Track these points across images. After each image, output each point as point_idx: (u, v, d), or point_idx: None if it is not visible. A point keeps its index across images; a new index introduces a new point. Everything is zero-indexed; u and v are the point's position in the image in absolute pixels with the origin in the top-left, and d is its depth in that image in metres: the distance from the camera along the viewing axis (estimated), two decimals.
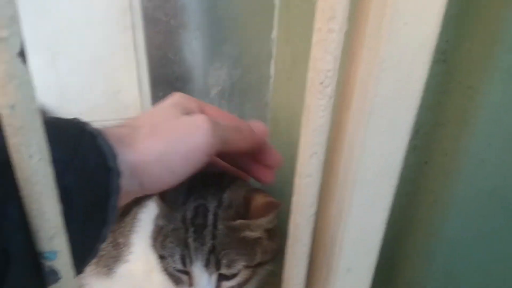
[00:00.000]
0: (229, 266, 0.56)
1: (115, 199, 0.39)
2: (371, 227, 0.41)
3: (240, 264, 0.56)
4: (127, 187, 0.41)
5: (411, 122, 0.36)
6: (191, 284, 0.58)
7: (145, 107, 0.98)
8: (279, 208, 0.56)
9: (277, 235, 0.63)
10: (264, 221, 0.56)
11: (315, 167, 0.36)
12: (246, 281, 0.59)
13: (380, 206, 0.39)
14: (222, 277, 0.58)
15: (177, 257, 0.56)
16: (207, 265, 0.56)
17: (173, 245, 0.57)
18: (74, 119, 0.41)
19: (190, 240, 0.56)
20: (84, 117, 0.43)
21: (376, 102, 0.34)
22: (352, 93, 0.35)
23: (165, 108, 0.51)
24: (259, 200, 0.59)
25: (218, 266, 0.56)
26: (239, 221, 0.57)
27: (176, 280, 0.60)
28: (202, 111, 0.54)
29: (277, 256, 0.63)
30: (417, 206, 0.49)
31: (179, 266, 0.57)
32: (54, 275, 0.35)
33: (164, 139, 0.45)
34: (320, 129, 0.33)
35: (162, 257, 0.60)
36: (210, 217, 0.57)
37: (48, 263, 0.35)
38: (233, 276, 0.57)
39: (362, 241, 0.42)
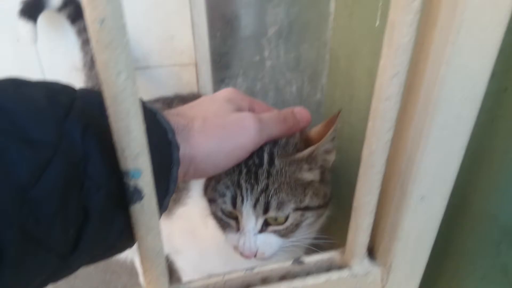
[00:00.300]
0: (278, 208, 0.57)
1: (176, 169, 0.42)
2: (449, 152, 0.40)
3: (289, 207, 0.58)
4: None
5: (500, 39, 0.34)
6: (238, 228, 0.60)
7: (200, 52, 0.98)
8: (339, 115, 0.56)
9: (329, 180, 0.63)
10: (328, 138, 0.57)
11: (395, 88, 0.34)
12: (295, 226, 0.60)
13: (460, 130, 0.38)
14: (269, 222, 0.59)
15: (228, 197, 0.58)
16: (255, 205, 0.57)
17: (225, 186, 0.58)
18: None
19: (242, 181, 0.57)
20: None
21: (466, 18, 0.32)
22: (439, 8, 0.33)
23: (218, 102, 0.54)
24: (315, 128, 0.59)
25: (267, 207, 0.57)
26: (297, 155, 0.58)
27: (223, 225, 0.62)
28: (251, 109, 0.56)
29: (328, 202, 0.63)
30: (493, 135, 0.47)
31: (229, 207, 0.59)
32: (138, 194, 0.37)
33: (214, 138, 0.49)
34: (404, 47, 0.32)
35: (212, 200, 0.62)
36: (265, 156, 0.58)
37: (132, 182, 0.36)
38: (281, 222, 0.59)
39: (438, 168, 0.41)
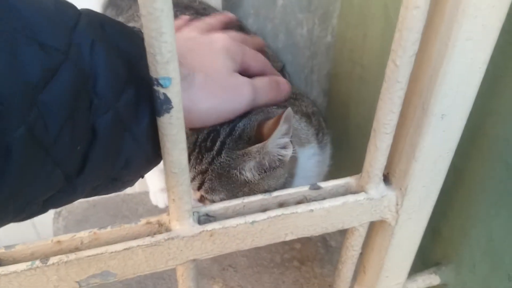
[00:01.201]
0: (208, 191, 0.63)
1: None
2: (472, 68, 0.40)
3: (218, 196, 0.63)
4: None
5: None
6: None
7: None
8: (286, 114, 0.56)
9: (281, 174, 0.63)
10: (275, 137, 0.57)
11: None
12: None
13: (485, 43, 0.38)
14: (205, 198, 0.65)
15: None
16: (193, 179, 0.63)
17: (190, 141, 0.63)
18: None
19: (192, 156, 0.62)
20: None
21: None
22: None
23: (218, 54, 0.56)
24: (271, 121, 0.58)
25: (200, 186, 0.63)
26: (243, 150, 0.60)
27: None
28: (246, 63, 0.60)
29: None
30: None
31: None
32: (168, 104, 0.37)
33: (214, 99, 0.53)
34: None
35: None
36: (218, 144, 0.61)
37: (162, 91, 0.37)
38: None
39: (460, 85, 0.41)
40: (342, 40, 0.94)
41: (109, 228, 0.47)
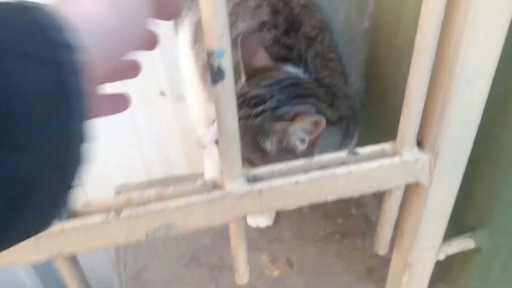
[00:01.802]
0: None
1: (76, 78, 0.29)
2: (493, 35, 0.44)
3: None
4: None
5: None
6: None
7: None
8: (316, 119, 0.66)
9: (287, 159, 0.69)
10: (296, 127, 0.67)
11: None
12: None
13: (505, 12, 0.42)
14: None
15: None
16: None
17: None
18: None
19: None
20: None
21: None
22: None
23: None
24: (304, 116, 0.67)
25: None
26: (279, 124, 0.68)
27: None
28: None
29: None
30: None
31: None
32: (221, 73, 0.43)
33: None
34: None
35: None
36: (260, 108, 0.70)
37: (216, 62, 0.42)
38: None
39: (484, 50, 0.45)
40: (378, 25, 0.97)
41: (171, 188, 0.53)
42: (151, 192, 0.53)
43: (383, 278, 0.81)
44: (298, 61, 0.80)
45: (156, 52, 1.17)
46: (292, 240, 0.97)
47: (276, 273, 0.92)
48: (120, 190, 1.12)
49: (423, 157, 0.55)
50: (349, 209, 1.03)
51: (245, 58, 0.74)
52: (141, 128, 1.34)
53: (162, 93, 1.31)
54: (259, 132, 0.71)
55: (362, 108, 1.12)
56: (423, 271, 0.71)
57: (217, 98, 0.45)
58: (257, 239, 0.98)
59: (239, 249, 0.61)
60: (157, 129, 1.36)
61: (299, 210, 1.04)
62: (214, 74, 0.43)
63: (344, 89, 0.82)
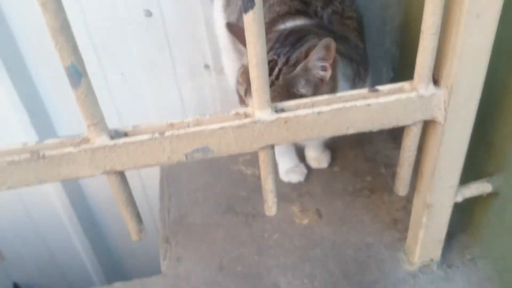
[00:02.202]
0: None
1: None
2: None
3: None
4: None
5: None
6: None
7: None
8: (325, 42, 0.71)
9: (327, 91, 0.76)
10: (311, 59, 0.73)
11: None
12: None
13: None
14: None
15: (242, 87, 0.81)
16: None
17: (243, 79, 0.80)
18: None
19: None
20: None
21: None
22: None
23: None
24: (313, 47, 0.73)
25: None
26: (298, 67, 0.75)
27: (242, 102, 0.84)
28: None
29: None
30: None
31: (243, 93, 0.81)
32: (251, 2, 0.49)
33: None
34: None
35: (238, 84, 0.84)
36: (276, 70, 0.77)
37: None
38: None
39: None
40: None
41: (208, 116, 0.60)
42: (190, 120, 0.60)
43: (407, 228, 0.85)
44: (314, 16, 0.87)
45: (201, 26, 1.25)
46: (322, 194, 1.02)
47: (305, 221, 0.97)
48: None
49: (439, 93, 0.59)
50: (378, 168, 1.07)
51: (242, 41, 0.78)
52: (185, 99, 1.43)
53: (206, 66, 1.38)
54: (289, 87, 0.77)
55: (395, 75, 1.15)
56: (442, 213, 0.74)
57: (248, 27, 0.51)
58: (289, 193, 1.04)
59: (267, 179, 0.66)
60: (201, 100, 1.44)
61: (330, 169, 1.09)
62: (245, 3, 0.49)
63: (356, 41, 0.89)
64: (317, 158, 1.07)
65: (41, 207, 1.51)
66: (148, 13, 1.24)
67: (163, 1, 1.22)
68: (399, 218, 0.94)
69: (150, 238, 1.72)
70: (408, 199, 0.93)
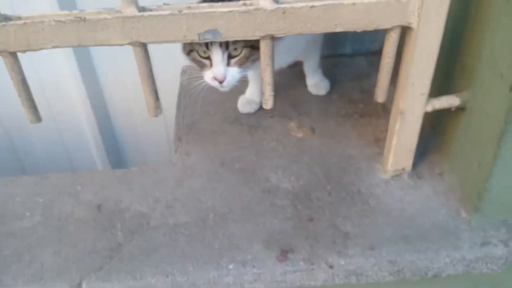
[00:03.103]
0: (233, 43, 0.82)
1: None
2: None
3: (240, 44, 0.83)
4: None
5: None
6: (211, 65, 0.86)
7: None
8: None
9: None
10: None
11: None
12: (247, 57, 0.85)
13: None
14: (230, 57, 0.85)
15: (202, 44, 0.83)
16: (221, 45, 0.81)
17: None
18: None
19: None
20: None
21: None
22: None
23: None
24: None
25: (227, 45, 0.82)
26: None
27: (202, 66, 0.88)
28: None
29: None
30: None
31: (202, 50, 0.84)
32: None
33: None
34: None
35: (191, 51, 0.87)
36: None
37: None
38: (237, 54, 0.84)
39: None
40: None
41: (220, 3, 0.70)
42: (205, 4, 0.70)
43: None
44: None
45: None
46: (318, 115, 1.12)
47: (300, 135, 1.07)
48: (186, 69, 1.31)
49: (413, 0, 0.68)
50: (371, 98, 1.13)
51: None
52: None
53: None
54: None
55: None
56: (414, 120, 0.83)
57: None
58: (290, 112, 1.14)
59: (266, 70, 0.76)
60: None
61: (328, 96, 1.19)
62: None
63: None
64: (316, 85, 1.17)
65: (55, 88, 1.58)
66: None
67: None
68: (382, 137, 1.03)
69: (158, 144, 1.80)
70: None
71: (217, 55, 0.85)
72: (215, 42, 0.82)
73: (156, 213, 0.91)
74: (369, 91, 1.18)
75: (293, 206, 0.90)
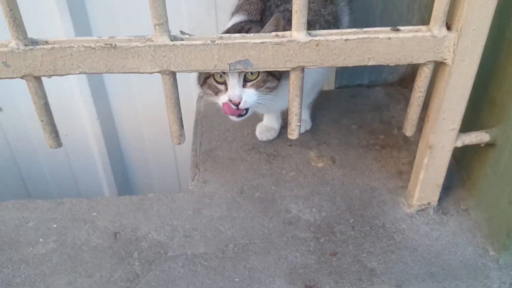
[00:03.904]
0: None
1: None
2: None
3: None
4: None
5: None
6: (227, 89, 0.84)
7: None
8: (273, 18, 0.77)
9: None
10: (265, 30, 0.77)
11: None
12: (264, 81, 0.83)
13: None
14: (246, 80, 0.83)
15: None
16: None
17: None
18: None
19: None
20: None
21: None
22: None
23: None
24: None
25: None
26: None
27: (217, 92, 0.86)
28: None
29: (280, 77, 0.85)
30: None
31: (218, 77, 0.83)
32: None
33: None
34: None
35: (207, 78, 0.86)
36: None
37: None
38: (254, 78, 0.83)
39: None
40: None
41: (252, 34, 0.69)
42: (237, 35, 0.69)
43: (410, 180, 0.93)
44: None
45: None
46: (338, 145, 1.11)
47: (320, 165, 1.06)
48: (202, 95, 1.30)
49: (450, 36, 0.67)
50: (391, 130, 1.15)
51: None
52: None
53: None
54: None
55: None
56: (442, 155, 0.82)
57: None
58: (309, 141, 1.13)
59: (294, 101, 0.75)
60: None
61: (348, 126, 1.17)
62: None
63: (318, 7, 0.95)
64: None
65: (65, 108, 1.57)
66: None
67: None
68: (404, 170, 1.02)
69: (166, 171, 1.78)
70: (415, 157, 1.01)
71: (233, 79, 0.83)
72: None
73: (174, 242, 0.89)
74: (389, 122, 1.17)
75: (316, 239, 0.88)
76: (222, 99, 0.85)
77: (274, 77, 0.85)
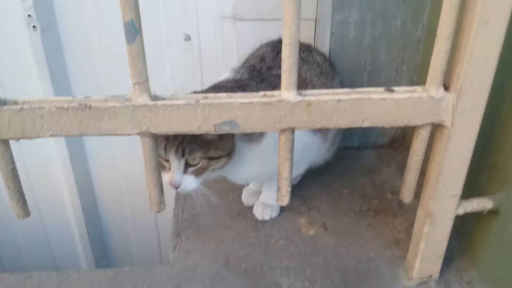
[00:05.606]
0: (190, 154, 0.78)
1: None
2: None
3: (198, 155, 0.79)
4: None
5: None
6: (169, 168, 0.82)
7: None
8: None
9: (229, 137, 0.82)
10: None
11: None
12: (204, 168, 0.81)
13: None
14: (188, 165, 0.81)
15: (161, 146, 0.79)
16: (176, 152, 0.78)
17: (160, 139, 0.78)
18: None
19: (170, 136, 0.77)
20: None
21: None
22: None
23: None
24: None
25: (183, 153, 0.78)
26: None
27: (163, 167, 0.83)
28: None
29: (230, 153, 0.83)
30: None
31: (163, 153, 0.80)
32: None
33: None
34: None
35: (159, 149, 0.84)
36: None
37: None
38: (195, 164, 0.80)
39: None
40: (431, 35, 1.07)
41: (239, 93, 0.65)
42: (222, 95, 0.65)
43: (408, 248, 0.87)
44: None
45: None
46: (330, 211, 1.05)
47: (311, 232, 0.99)
48: None
49: (448, 97, 0.63)
50: (384, 194, 1.09)
51: None
52: None
53: None
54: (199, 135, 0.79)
55: None
56: (444, 223, 0.76)
57: (286, 7, 0.57)
58: (299, 206, 1.06)
59: (284, 164, 0.70)
60: None
61: (339, 191, 1.11)
62: None
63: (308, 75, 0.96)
64: (264, 203, 1.05)
65: (41, 172, 1.51)
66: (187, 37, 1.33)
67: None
68: (401, 238, 0.95)
69: (148, 239, 1.68)
70: (412, 223, 0.94)
71: (174, 162, 0.80)
72: (171, 147, 0.78)
73: None
74: (382, 186, 1.12)
75: None
76: (165, 177, 0.81)
77: (219, 157, 0.82)
